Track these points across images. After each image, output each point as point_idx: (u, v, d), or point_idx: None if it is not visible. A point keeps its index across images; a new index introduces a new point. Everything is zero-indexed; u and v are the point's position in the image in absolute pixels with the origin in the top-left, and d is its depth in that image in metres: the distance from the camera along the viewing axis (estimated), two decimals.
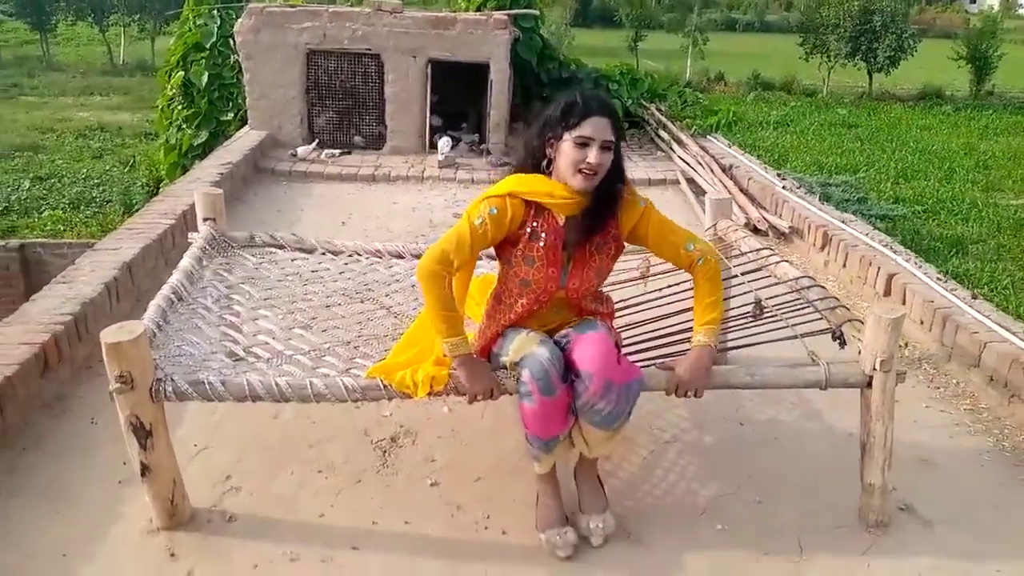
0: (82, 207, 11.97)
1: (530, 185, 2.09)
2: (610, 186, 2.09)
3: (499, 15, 6.61)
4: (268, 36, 6.43)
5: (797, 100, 22.07)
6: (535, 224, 2.09)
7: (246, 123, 6.95)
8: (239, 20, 6.51)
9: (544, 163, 2.11)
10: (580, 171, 2.02)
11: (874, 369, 2.12)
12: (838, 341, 2.25)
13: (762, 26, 44.05)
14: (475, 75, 6.63)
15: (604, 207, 2.11)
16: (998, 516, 2.42)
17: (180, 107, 7.45)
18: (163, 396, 1.99)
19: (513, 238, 2.10)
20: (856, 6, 22.30)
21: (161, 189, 8.20)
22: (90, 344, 3.18)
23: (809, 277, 2.53)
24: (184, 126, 7.37)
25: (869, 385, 2.16)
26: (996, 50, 22.77)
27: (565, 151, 2.04)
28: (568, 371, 2.08)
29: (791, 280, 2.49)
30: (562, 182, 2.07)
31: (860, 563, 2.20)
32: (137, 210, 10.85)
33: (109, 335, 1.90)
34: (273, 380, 2.05)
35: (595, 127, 2.01)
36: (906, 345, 3.49)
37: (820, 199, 5.56)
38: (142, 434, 2.02)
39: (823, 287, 2.47)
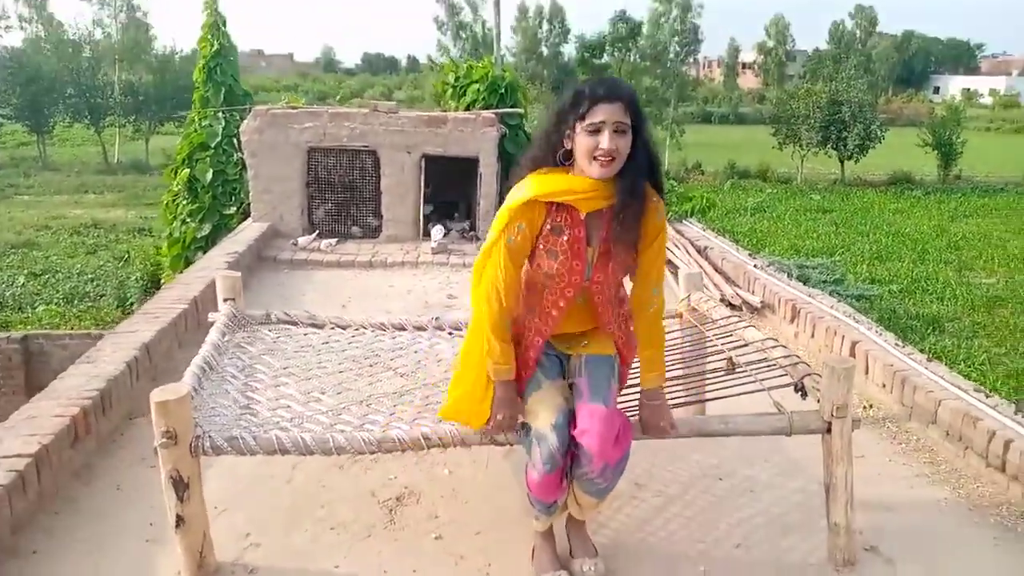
0: (76, 301, 12.23)
1: (550, 186, 2.09)
2: (635, 179, 2.06)
3: (487, 114, 7.13)
4: (271, 135, 6.89)
5: (772, 187, 23.02)
6: (558, 219, 2.11)
7: (248, 216, 7.33)
8: (245, 121, 6.98)
9: (561, 156, 2.11)
10: (595, 159, 2.01)
11: (832, 415, 2.40)
12: (800, 393, 2.53)
13: (736, 118, 46.06)
14: (465, 168, 7.08)
15: (631, 199, 2.07)
16: (953, 554, 2.65)
17: (185, 202, 7.86)
18: (201, 451, 2.23)
19: (536, 234, 2.15)
20: (824, 98, 23.54)
21: (163, 281, 8.53)
22: (114, 418, 3.41)
23: (773, 339, 2.83)
24: (188, 220, 7.76)
25: (829, 431, 2.43)
26: (959, 137, 23.96)
27: (580, 141, 2.03)
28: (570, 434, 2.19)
29: (757, 342, 2.79)
30: (582, 173, 2.07)
31: None
32: (132, 303, 11.14)
33: (157, 395, 2.16)
34: (298, 436, 2.31)
35: (605, 111, 1.98)
36: (870, 406, 3.77)
37: (798, 281, 5.94)
38: (181, 487, 2.25)
39: (785, 347, 2.77)
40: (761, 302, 5.04)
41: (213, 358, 2.73)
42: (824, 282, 9.84)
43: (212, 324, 3.17)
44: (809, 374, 2.54)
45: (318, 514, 2.84)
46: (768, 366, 2.66)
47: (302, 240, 6.70)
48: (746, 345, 2.83)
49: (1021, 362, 8.01)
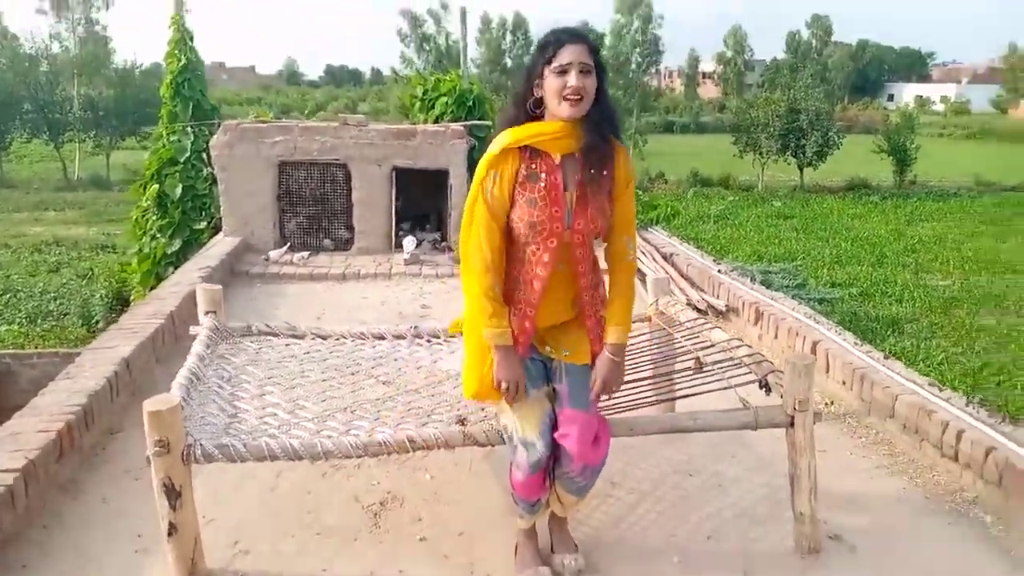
0: (39, 320, 12.04)
1: (520, 132, 2.18)
2: (603, 121, 2.17)
3: (456, 126, 7.24)
4: (242, 150, 6.92)
5: (735, 195, 23.41)
6: (532, 166, 2.18)
7: (218, 231, 7.34)
8: (214, 136, 7.00)
9: (532, 105, 2.19)
10: (565, 98, 2.10)
11: (794, 410, 2.55)
12: (764, 389, 2.68)
13: (697, 127, 46.74)
14: (436, 179, 7.18)
15: (599, 140, 2.17)
16: (912, 540, 2.81)
17: (154, 218, 7.84)
18: (193, 459, 2.30)
19: (513, 185, 2.21)
20: (783, 106, 24.04)
21: (132, 298, 8.48)
22: (96, 433, 3.44)
23: (738, 339, 2.98)
24: (158, 235, 7.74)
25: (792, 424, 2.58)
26: (913, 143, 24.63)
27: (548, 84, 2.12)
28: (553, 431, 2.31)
29: (723, 342, 2.94)
30: (552, 117, 2.17)
31: None
32: (97, 322, 11.01)
33: (150, 405, 2.23)
34: (287, 442, 2.39)
35: (571, 52, 2.10)
36: (831, 403, 3.95)
37: (762, 285, 6.13)
38: (173, 495, 2.31)
39: (750, 347, 2.91)
40: (726, 306, 5.21)
41: (199, 369, 2.79)
42: (787, 286, 10.09)
43: (194, 337, 3.23)
44: (772, 371, 2.69)
45: (304, 520, 2.91)
46: (734, 365, 2.80)
47: (273, 254, 6.73)
48: (712, 346, 2.97)
49: (976, 361, 8.28)
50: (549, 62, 2.12)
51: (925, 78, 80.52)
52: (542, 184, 2.18)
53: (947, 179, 25.86)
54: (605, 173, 2.22)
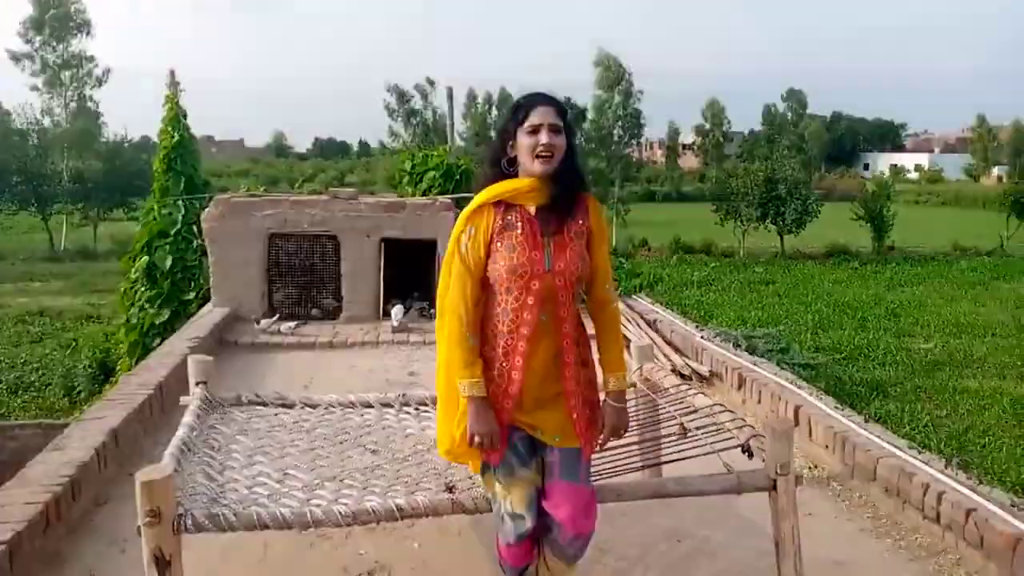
0: (20, 392, 11.94)
1: (495, 188, 2.29)
2: (571, 175, 2.30)
3: (443, 199, 7.43)
4: (232, 223, 7.05)
5: (717, 261, 23.76)
6: (508, 217, 2.28)
7: (207, 301, 7.40)
8: (206, 209, 7.13)
9: (505, 163, 2.31)
10: (537, 155, 2.22)
11: (776, 473, 2.60)
12: (747, 454, 2.73)
13: (679, 196, 47.67)
14: (424, 250, 7.31)
15: (569, 191, 2.29)
16: None
17: (143, 288, 7.91)
18: (183, 528, 2.31)
19: (489, 237, 2.28)
20: (761, 176, 24.63)
21: (118, 368, 8.47)
22: (84, 504, 3.43)
23: (720, 404, 3.04)
24: (147, 306, 7.80)
25: (775, 487, 2.63)
26: (889, 210, 25.20)
27: (521, 143, 2.25)
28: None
29: (706, 408, 3.00)
30: (526, 174, 2.28)
31: None
32: (80, 392, 10.90)
33: (143, 475, 2.25)
34: (277, 511, 2.41)
35: (540, 114, 2.23)
36: (815, 466, 3.99)
37: (745, 350, 6.22)
38: (163, 566, 2.31)
39: (732, 411, 2.98)
40: (710, 371, 5.29)
41: (190, 439, 2.82)
42: (770, 351, 10.15)
43: (183, 407, 3.26)
44: (754, 435, 2.75)
45: None
46: (717, 430, 2.86)
47: (264, 323, 6.78)
48: (696, 411, 3.03)
49: (961, 424, 8.35)
50: (521, 123, 2.25)
51: (899, 147, 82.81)
52: (519, 231, 2.25)
53: (925, 245, 26.36)
54: (580, 222, 2.32)
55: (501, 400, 2.32)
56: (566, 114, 2.33)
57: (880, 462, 3.58)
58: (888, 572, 3.05)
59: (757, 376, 4.80)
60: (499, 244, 2.26)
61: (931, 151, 79.63)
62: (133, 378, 4.96)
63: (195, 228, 7.86)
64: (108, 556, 3.12)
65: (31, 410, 11.18)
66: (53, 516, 3.13)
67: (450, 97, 8.34)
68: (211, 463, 2.76)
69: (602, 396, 2.47)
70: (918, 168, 67.64)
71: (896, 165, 68.79)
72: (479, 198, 2.31)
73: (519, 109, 2.28)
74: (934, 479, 3.34)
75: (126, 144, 33.31)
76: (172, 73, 9.04)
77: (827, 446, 3.98)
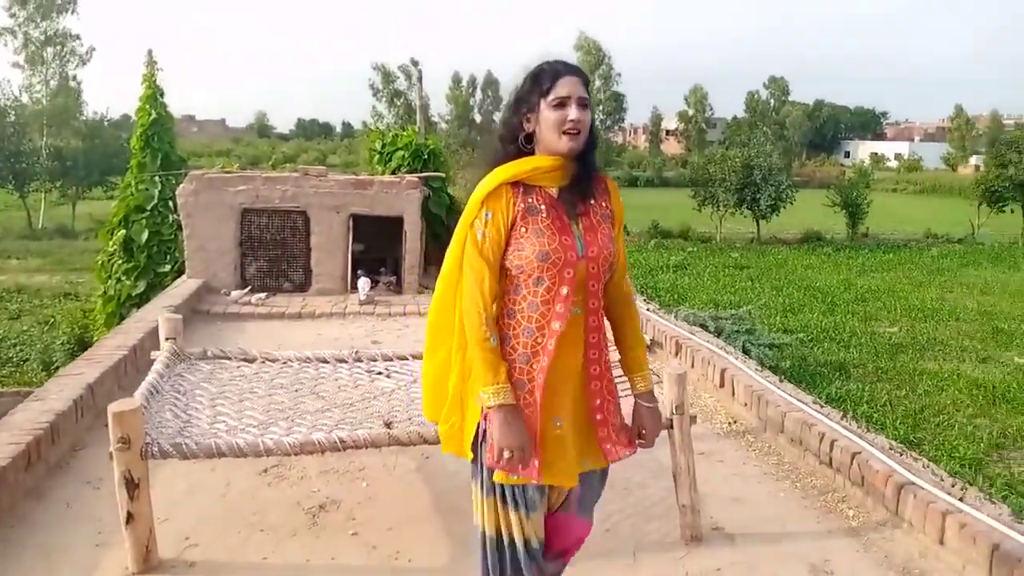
0: None
1: (515, 167, 2.01)
2: (592, 153, 2.07)
3: (411, 178, 7.75)
4: (206, 198, 7.34)
5: (694, 246, 24.18)
6: (529, 199, 2.00)
7: (182, 274, 7.70)
8: (181, 184, 7.42)
9: (523, 140, 2.04)
10: (565, 132, 1.97)
11: (672, 413, 2.98)
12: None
13: (660, 181, 48.03)
14: (392, 226, 7.64)
15: (593, 170, 2.07)
16: (783, 530, 3.24)
17: (120, 261, 8.20)
18: (151, 454, 2.66)
19: (510, 222, 2.00)
20: (739, 163, 25.04)
21: (95, 339, 8.74)
22: (62, 448, 3.77)
23: None
24: (123, 278, 8.09)
25: (671, 426, 3.01)
26: (866, 198, 25.67)
27: (545, 117, 1.98)
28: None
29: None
30: (547, 152, 2.02)
31: (677, 564, 2.96)
32: (58, 367, 11.15)
33: (115, 407, 2.60)
34: (234, 441, 2.76)
35: (569, 86, 1.98)
36: (735, 421, 4.40)
37: (713, 331, 6.57)
38: (132, 487, 2.67)
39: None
40: (651, 340, 5.68)
41: (158, 383, 3.17)
42: (737, 332, 10.53)
43: (154, 361, 3.60)
44: (655, 382, 3.12)
45: (249, 520, 3.25)
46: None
47: (235, 293, 7.09)
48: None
49: (918, 403, 8.73)
50: (546, 93, 1.98)
51: (879, 136, 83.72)
52: (544, 215, 1.99)
53: (898, 231, 26.91)
54: (604, 204, 2.09)
55: (524, 409, 2.00)
56: (589, 85, 2.10)
57: (787, 416, 3.97)
58: (780, 506, 3.45)
59: (692, 344, 5.20)
60: (524, 229, 1.97)
61: (911, 140, 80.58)
62: (109, 340, 5.28)
63: (171, 203, 8.15)
64: (84, 492, 3.46)
65: (9, 385, 11.38)
66: (35, 455, 3.46)
67: (420, 79, 8.63)
68: (176, 403, 3.11)
69: (629, 398, 2.23)
70: (898, 157, 68.44)
71: (876, 153, 69.57)
72: (494, 178, 2.01)
73: (541, 79, 2.00)
74: (831, 429, 3.74)
75: (106, 122, 33.23)
76: (150, 52, 9.28)
77: (746, 404, 4.37)
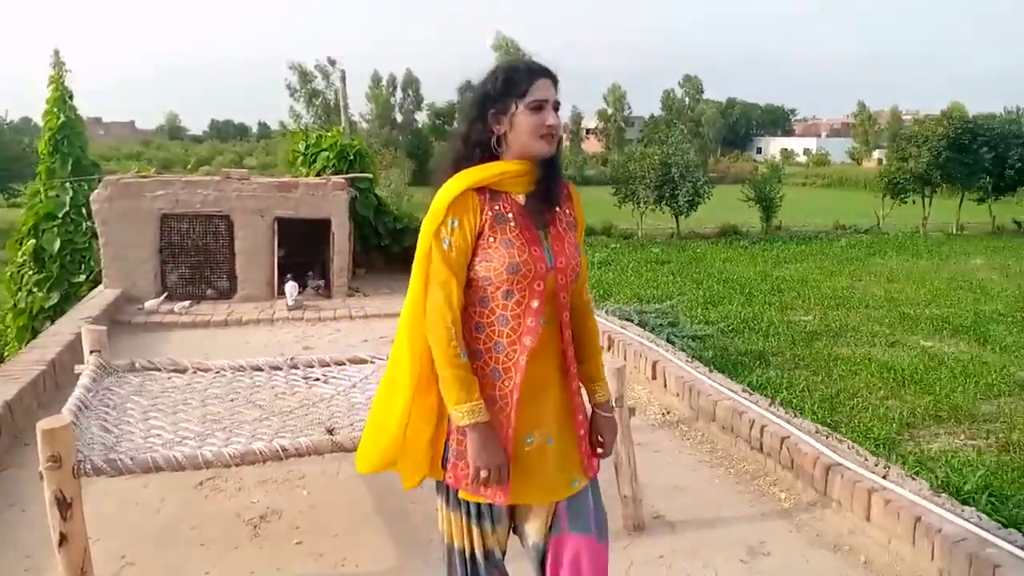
0: None
1: (480, 173, 1.91)
2: (558, 156, 2.00)
3: (337, 179, 7.64)
4: (123, 204, 7.06)
5: (616, 242, 24.62)
6: (496, 207, 1.90)
7: (98, 284, 7.39)
8: (95, 191, 7.12)
9: (494, 144, 1.93)
10: (542, 136, 1.90)
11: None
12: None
13: (582, 179, 48.63)
14: (318, 229, 7.52)
15: (554, 173, 1.98)
16: (720, 516, 3.36)
17: (31, 272, 7.81)
18: (83, 472, 2.56)
19: (477, 231, 1.90)
20: (657, 160, 25.61)
21: (6, 354, 8.31)
22: None
23: None
24: (35, 290, 7.71)
25: None
26: (779, 192, 26.63)
27: (520, 121, 1.89)
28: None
29: None
30: (518, 156, 1.92)
31: (622, 554, 3.03)
32: None
33: (44, 424, 2.49)
34: (170, 454, 2.69)
35: (545, 88, 1.91)
36: (668, 412, 4.52)
37: (637, 324, 6.70)
38: (64, 507, 2.56)
39: None
40: None
41: (86, 398, 3.05)
42: (661, 325, 10.81)
43: (79, 375, 3.46)
44: None
45: (187, 535, 3.18)
46: None
47: (149, 304, 6.85)
48: None
49: (834, 387, 9.11)
50: (521, 96, 1.89)
51: (789, 132, 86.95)
52: (512, 224, 1.89)
53: (809, 224, 28.00)
54: (568, 211, 2.01)
55: (504, 428, 1.91)
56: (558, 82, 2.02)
57: (718, 404, 4.12)
58: (716, 492, 3.58)
59: (623, 337, 5.31)
60: (492, 239, 1.88)
61: (818, 135, 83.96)
62: (25, 355, 5.04)
63: (84, 210, 7.81)
64: (9, 515, 3.30)
65: None
66: None
67: (343, 78, 8.52)
68: (107, 418, 3.00)
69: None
70: (806, 152, 71.20)
71: (786, 149, 72.20)
72: (459, 182, 1.90)
73: (517, 80, 1.91)
74: (760, 415, 3.89)
75: (5, 126, 31.54)
76: (56, 52, 8.86)
77: (678, 394, 4.50)
